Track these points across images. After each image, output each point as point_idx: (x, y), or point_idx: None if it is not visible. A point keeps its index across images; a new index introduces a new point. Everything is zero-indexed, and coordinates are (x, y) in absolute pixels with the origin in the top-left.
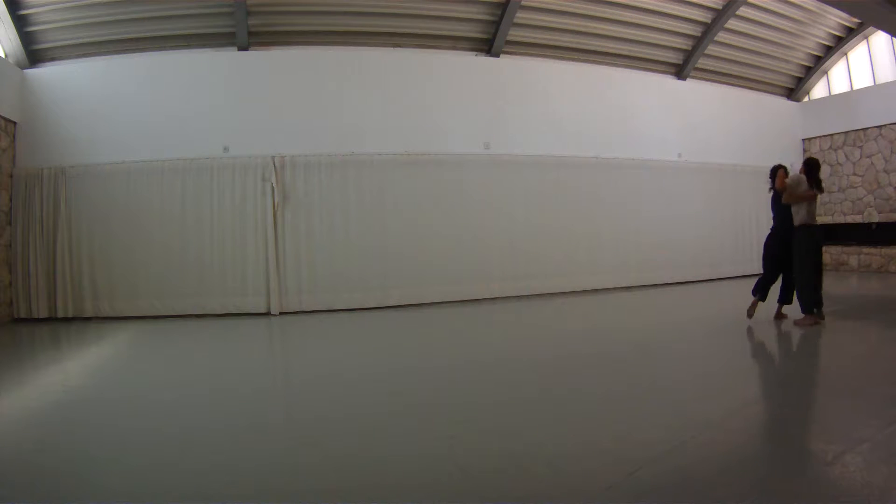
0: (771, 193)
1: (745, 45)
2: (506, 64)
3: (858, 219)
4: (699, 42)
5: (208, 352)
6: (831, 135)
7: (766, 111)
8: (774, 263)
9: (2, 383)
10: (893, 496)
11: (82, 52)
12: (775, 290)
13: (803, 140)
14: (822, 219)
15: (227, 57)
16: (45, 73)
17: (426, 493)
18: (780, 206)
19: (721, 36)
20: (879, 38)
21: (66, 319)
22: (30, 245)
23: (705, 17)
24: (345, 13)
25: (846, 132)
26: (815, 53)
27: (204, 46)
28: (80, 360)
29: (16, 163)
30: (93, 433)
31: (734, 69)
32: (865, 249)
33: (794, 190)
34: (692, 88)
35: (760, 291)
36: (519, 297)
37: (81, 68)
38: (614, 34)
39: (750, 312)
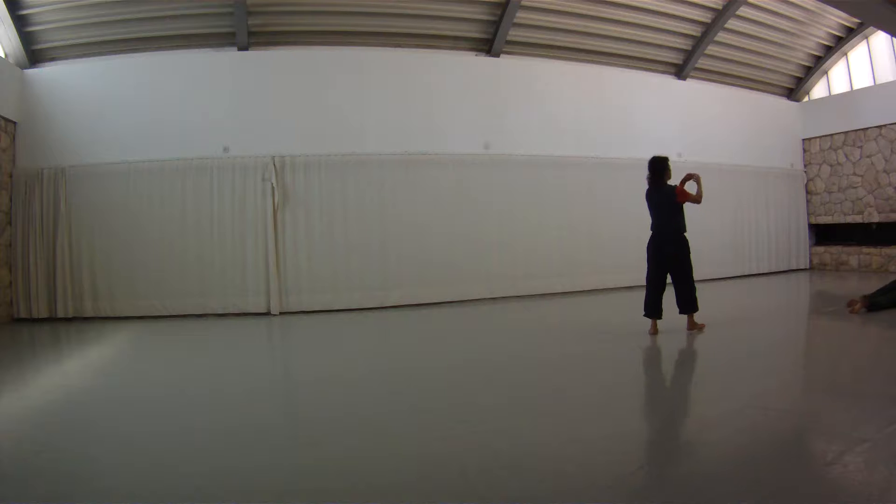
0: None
1: (745, 45)
2: (506, 64)
3: (858, 219)
4: (699, 42)
5: (208, 352)
6: (831, 135)
7: (766, 111)
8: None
9: (2, 383)
10: (893, 496)
11: (82, 52)
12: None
13: (803, 140)
14: (822, 218)
15: (227, 57)
16: (45, 73)
17: (426, 493)
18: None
19: (721, 36)
20: (879, 38)
21: (66, 319)
22: (30, 245)
23: (705, 17)
24: (345, 13)
25: (846, 132)
26: (815, 53)
27: (204, 46)
28: (80, 360)
29: (16, 163)
30: (93, 433)
31: (734, 69)
32: (865, 249)
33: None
34: (692, 88)
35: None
36: (519, 297)
37: (81, 68)
38: (614, 34)
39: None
